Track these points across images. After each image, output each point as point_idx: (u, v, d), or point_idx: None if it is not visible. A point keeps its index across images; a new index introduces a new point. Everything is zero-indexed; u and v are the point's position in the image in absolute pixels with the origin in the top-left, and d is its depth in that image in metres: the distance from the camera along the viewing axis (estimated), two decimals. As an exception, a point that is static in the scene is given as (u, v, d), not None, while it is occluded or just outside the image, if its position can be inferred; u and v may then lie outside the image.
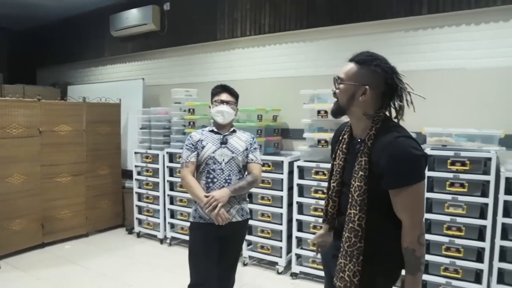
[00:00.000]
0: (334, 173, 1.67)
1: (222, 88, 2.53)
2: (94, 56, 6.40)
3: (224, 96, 2.49)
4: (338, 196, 1.65)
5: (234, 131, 2.54)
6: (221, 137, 2.47)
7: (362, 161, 1.47)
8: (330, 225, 1.75)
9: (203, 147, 2.41)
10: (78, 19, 6.53)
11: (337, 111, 1.58)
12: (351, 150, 1.60)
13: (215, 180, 2.37)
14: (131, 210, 5.09)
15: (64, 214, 4.63)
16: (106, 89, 5.58)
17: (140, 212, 4.95)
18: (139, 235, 4.97)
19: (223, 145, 2.44)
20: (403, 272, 1.53)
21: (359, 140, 1.56)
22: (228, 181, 2.39)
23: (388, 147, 1.41)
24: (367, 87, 1.47)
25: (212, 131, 2.49)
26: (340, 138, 1.68)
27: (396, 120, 1.55)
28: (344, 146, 1.63)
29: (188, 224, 2.60)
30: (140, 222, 4.97)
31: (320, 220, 3.46)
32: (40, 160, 4.36)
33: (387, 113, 1.56)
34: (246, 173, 2.53)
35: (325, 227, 1.82)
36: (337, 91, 1.56)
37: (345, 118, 1.67)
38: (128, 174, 5.34)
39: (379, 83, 1.48)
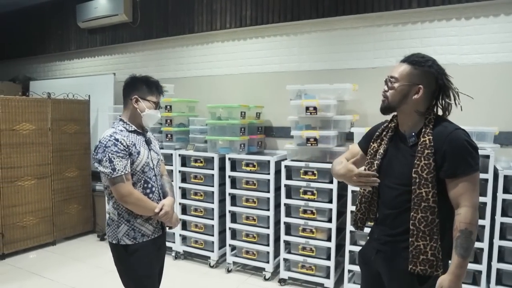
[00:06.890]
0: (375, 167, 1.70)
1: (158, 89, 2.13)
2: (59, 49, 5.93)
3: (159, 98, 2.14)
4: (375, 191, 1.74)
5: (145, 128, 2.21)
6: (145, 137, 2.13)
7: (426, 146, 1.52)
8: (363, 224, 1.79)
9: (138, 153, 2.01)
10: (40, 8, 6.02)
11: (387, 109, 1.65)
12: (398, 144, 1.66)
13: (153, 189, 2.08)
14: (102, 214, 4.75)
15: (28, 221, 4.23)
16: (73, 84, 5.20)
17: (112, 217, 4.62)
18: (111, 241, 4.63)
19: (149, 147, 2.12)
20: None
21: (413, 134, 1.60)
22: (162, 188, 2.16)
23: (449, 138, 1.50)
24: (421, 86, 1.56)
25: (134, 131, 2.07)
26: (378, 135, 1.74)
27: None
28: (385, 141, 1.70)
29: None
30: (112, 227, 4.63)
31: (310, 222, 3.31)
32: (-2, 162, 3.95)
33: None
34: None
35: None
36: (390, 90, 1.61)
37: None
38: (98, 176, 4.95)
39: (431, 83, 1.58)
